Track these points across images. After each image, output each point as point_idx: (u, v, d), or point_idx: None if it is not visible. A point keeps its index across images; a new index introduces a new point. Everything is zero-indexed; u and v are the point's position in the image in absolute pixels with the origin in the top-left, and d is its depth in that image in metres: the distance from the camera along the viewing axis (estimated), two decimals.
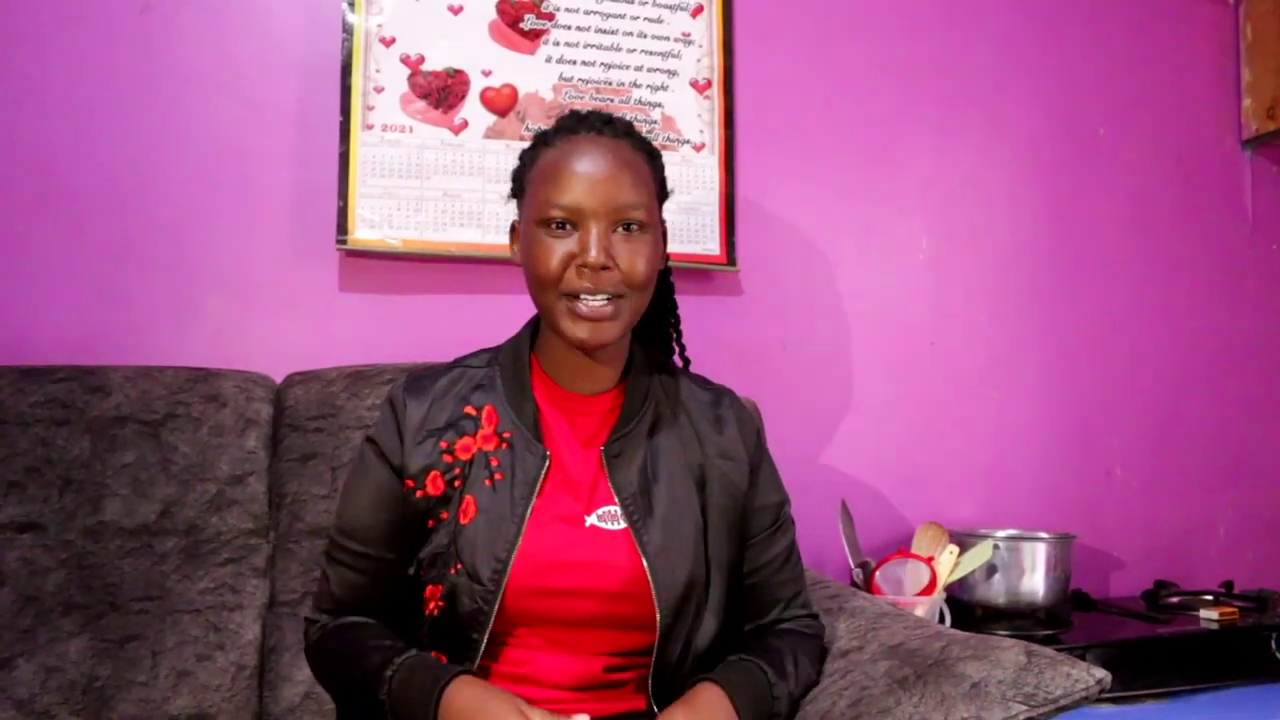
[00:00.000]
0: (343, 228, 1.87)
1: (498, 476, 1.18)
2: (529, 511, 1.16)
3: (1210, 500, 2.45)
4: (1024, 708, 1.08)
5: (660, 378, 1.30)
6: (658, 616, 1.16)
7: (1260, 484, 2.49)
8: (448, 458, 1.19)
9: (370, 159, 1.88)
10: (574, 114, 1.25)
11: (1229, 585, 2.20)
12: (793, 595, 1.32)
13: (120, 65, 1.83)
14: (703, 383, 1.35)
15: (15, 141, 1.79)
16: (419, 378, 1.26)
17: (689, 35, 2.08)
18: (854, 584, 1.94)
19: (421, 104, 1.93)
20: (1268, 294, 2.53)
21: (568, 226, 1.16)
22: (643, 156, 1.23)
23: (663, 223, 1.28)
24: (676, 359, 1.41)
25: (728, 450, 1.28)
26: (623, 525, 1.18)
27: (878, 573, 1.89)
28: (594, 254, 1.13)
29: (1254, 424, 2.50)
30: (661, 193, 1.27)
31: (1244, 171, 2.54)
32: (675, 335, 1.40)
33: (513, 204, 1.28)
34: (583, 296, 1.15)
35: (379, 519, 1.22)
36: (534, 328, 1.29)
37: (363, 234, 1.87)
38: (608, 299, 1.15)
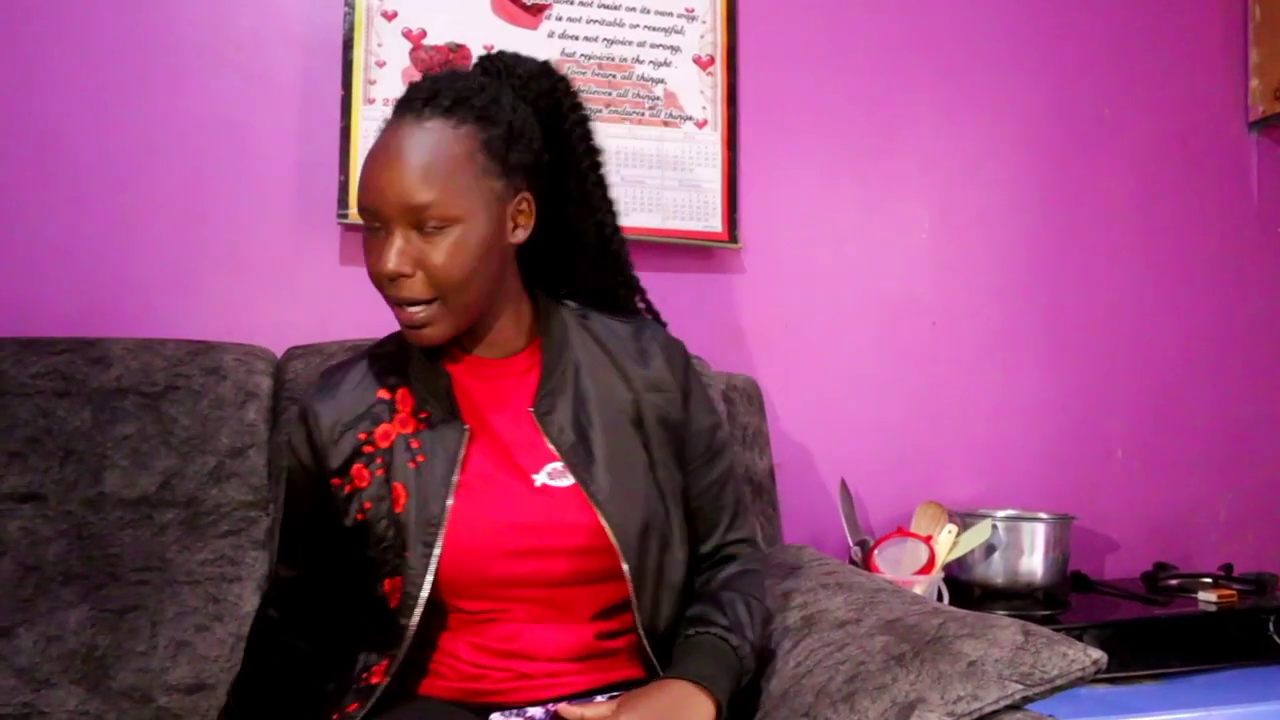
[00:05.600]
0: (344, 202, 1.86)
1: (420, 459, 1.15)
2: (453, 485, 1.14)
3: (1212, 483, 2.44)
4: (1020, 687, 1.08)
5: (575, 322, 1.26)
6: (624, 565, 1.14)
7: (1262, 467, 2.48)
8: (368, 448, 1.17)
9: (371, 133, 1.87)
10: (410, 87, 1.14)
11: (1228, 568, 2.20)
12: (732, 517, 1.31)
13: (120, 39, 1.82)
14: (620, 316, 1.30)
15: (16, 116, 1.78)
16: (327, 374, 1.24)
17: (692, 11, 2.06)
18: (852, 562, 1.94)
19: None
20: (1272, 276, 2.52)
21: (378, 227, 1.09)
22: (466, 133, 1.09)
23: (522, 193, 1.15)
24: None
25: (657, 382, 1.25)
26: (571, 480, 1.16)
27: (876, 551, 1.89)
28: (385, 263, 1.06)
29: (1256, 407, 2.49)
30: (510, 158, 1.12)
31: (1250, 153, 2.52)
32: (639, 296, 1.36)
33: None
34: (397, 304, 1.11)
35: (314, 539, 1.25)
36: None
37: None
38: (421, 305, 1.09)
